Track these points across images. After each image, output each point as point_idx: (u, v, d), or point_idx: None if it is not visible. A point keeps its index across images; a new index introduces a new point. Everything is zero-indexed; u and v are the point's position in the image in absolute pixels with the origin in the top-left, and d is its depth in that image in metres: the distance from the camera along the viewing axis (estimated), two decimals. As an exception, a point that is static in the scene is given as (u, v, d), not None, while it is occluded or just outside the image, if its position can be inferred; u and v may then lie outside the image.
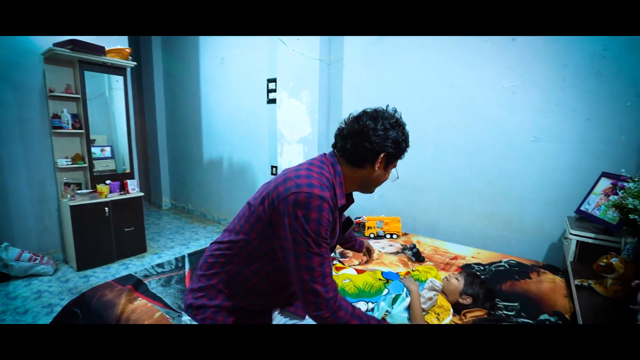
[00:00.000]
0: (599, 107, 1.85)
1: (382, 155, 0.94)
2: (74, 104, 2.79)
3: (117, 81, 3.01)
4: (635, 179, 1.32)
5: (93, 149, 3.00)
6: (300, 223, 0.82)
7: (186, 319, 1.03)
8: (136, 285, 1.60)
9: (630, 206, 1.27)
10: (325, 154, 1.01)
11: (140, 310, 1.40)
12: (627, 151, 1.80)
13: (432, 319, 1.27)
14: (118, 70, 2.92)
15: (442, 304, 1.33)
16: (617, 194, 1.44)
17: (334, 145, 1.01)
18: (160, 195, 4.68)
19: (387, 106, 0.99)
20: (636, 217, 1.25)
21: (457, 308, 1.38)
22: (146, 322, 1.32)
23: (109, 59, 2.76)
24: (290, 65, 2.84)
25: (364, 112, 0.97)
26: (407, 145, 1.00)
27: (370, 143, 0.92)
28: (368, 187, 1.04)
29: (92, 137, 3.10)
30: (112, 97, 3.16)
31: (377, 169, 0.96)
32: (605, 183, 1.72)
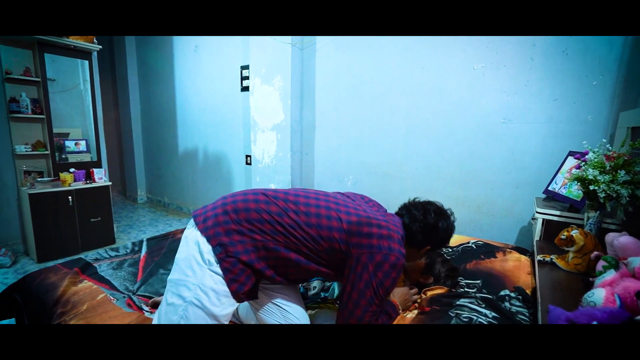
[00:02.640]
0: (566, 87, 1.84)
1: (428, 247, 1.10)
2: (34, 89, 2.66)
3: (83, 65, 2.89)
4: (595, 150, 1.29)
5: (67, 143, 2.89)
6: (388, 283, 0.94)
7: (206, 254, 0.93)
8: (84, 268, 1.51)
9: (590, 177, 1.24)
10: (402, 223, 1.08)
11: (83, 292, 1.32)
12: (593, 130, 1.79)
13: None
14: (82, 54, 2.80)
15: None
16: (580, 168, 1.42)
17: (400, 214, 1.12)
18: (135, 189, 4.54)
19: (449, 209, 1.15)
20: (596, 187, 1.22)
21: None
22: (86, 304, 1.23)
23: (72, 41, 2.64)
24: (263, 51, 2.77)
25: (431, 205, 1.13)
26: (446, 245, 1.17)
27: (424, 235, 1.06)
28: None
29: (66, 130, 3.01)
30: (87, 90, 3.03)
31: (418, 252, 1.12)
32: (572, 162, 1.70)
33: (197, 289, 0.91)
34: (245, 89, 3.16)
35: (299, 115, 2.81)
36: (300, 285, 1.32)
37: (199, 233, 0.96)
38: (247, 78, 3.12)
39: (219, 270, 0.92)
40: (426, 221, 1.06)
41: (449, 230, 1.10)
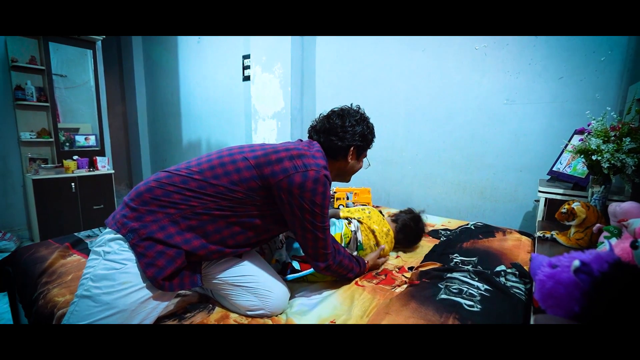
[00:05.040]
0: (572, 64, 1.76)
1: (352, 149, 1.08)
2: (39, 77, 2.71)
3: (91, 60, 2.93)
4: (599, 119, 1.22)
5: (77, 137, 2.95)
6: (319, 199, 0.93)
7: (113, 244, 0.86)
8: (75, 243, 1.51)
9: (593, 146, 1.17)
10: (313, 141, 1.09)
11: (71, 264, 1.31)
12: (601, 108, 1.69)
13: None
14: (86, 43, 2.84)
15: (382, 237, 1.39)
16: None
17: (310, 138, 1.12)
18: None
19: (352, 104, 1.14)
20: (599, 158, 1.15)
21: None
22: (72, 275, 1.22)
23: (76, 30, 2.68)
24: (263, 38, 2.75)
25: (332, 112, 1.10)
26: (373, 137, 1.15)
27: (339, 139, 1.06)
28: (344, 177, 1.18)
29: (76, 125, 3.07)
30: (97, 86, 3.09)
31: (349, 160, 1.10)
32: (577, 140, 1.62)
33: (88, 280, 0.84)
34: (246, 78, 3.16)
35: (299, 103, 2.78)
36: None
37: (108, 234, 0.89)
38: (248, 67, 3.11)
39: (120, 258, 0.85)
40: (332, 127, 1.06)
41: (362, 122, 1.09)
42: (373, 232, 1.36)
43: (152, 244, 0.86)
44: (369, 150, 1.19)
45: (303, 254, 1.14)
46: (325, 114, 1.12)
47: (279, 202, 0.93)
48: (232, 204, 0.92)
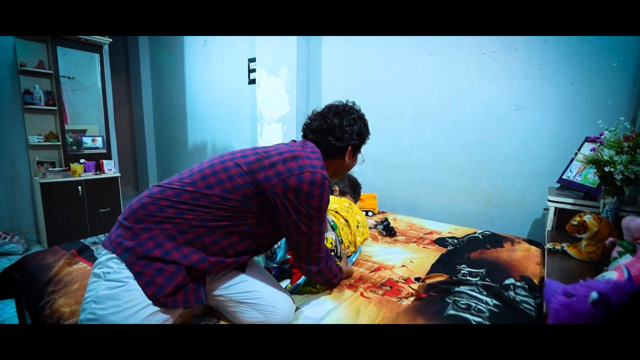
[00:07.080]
0: (583, 70, 1.73)
1: (349, 148, 1.07)
2: (47, 81, 2.73)
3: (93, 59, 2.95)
4: (612, 129, 1.19)
5: (84, 139, 2.96)
6: (316, 201, 0.90)
7: (112, 264, 0.84)
8: (81, 250, 1.51)
9: (606, 157, 1.14)
10: (307, 141, 1.07)
11: (77, 272, 1.31)
12: (613, 115, 1.66)
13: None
14: (93, 47, 2.86)
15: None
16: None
17: (305, 137, 1.09)
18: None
19: (347, 101, 1.11)
20: (612, 169, 1.12)
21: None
22: (78, 284, 1.22)
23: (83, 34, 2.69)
24: (269, 42, 2.75)
25: (329, 109, 1.07)
26: (369, 134, 1.15)
27: (337, 140, 1.04)
28: (338, 174, 1.18)
29: (84, 127, 3.09)
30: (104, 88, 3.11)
31: (346, 159, 1.10)
32: (588, 148, 1.59)
33: (90, 303, 0.81)
34: (252, 81, 3.15)
35: (305, 107, 2.77)
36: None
37: (104, 255, 0.87)
38: (254, 71, 3.11)
39: (121, 277, 0.82)
40: (330, 127, 1.03)
41: (359, 121, 1.08)
42: (336, 211, 1.52)
43: (149, 262, 0.83)
44: (369, 147, 1.21)
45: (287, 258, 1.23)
46: (320, 112, 1.08)
47: (274, 207, 0.90)
48: (228, 213, 0.89)
